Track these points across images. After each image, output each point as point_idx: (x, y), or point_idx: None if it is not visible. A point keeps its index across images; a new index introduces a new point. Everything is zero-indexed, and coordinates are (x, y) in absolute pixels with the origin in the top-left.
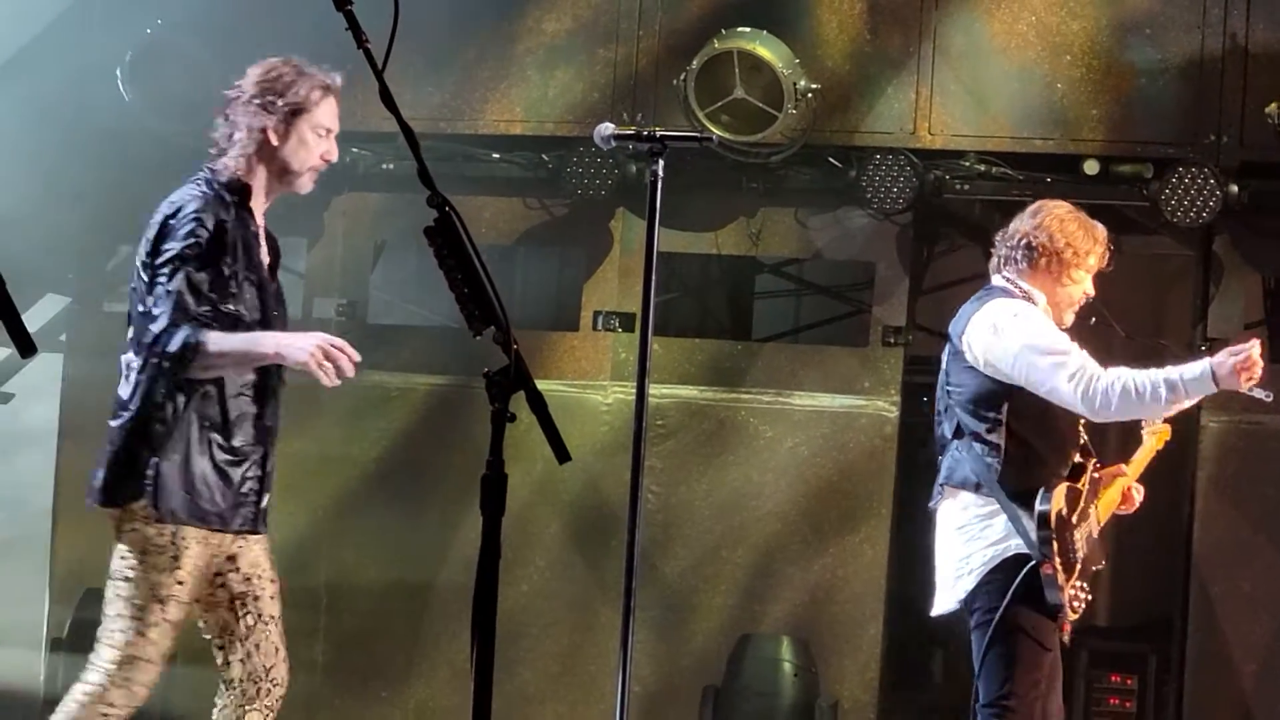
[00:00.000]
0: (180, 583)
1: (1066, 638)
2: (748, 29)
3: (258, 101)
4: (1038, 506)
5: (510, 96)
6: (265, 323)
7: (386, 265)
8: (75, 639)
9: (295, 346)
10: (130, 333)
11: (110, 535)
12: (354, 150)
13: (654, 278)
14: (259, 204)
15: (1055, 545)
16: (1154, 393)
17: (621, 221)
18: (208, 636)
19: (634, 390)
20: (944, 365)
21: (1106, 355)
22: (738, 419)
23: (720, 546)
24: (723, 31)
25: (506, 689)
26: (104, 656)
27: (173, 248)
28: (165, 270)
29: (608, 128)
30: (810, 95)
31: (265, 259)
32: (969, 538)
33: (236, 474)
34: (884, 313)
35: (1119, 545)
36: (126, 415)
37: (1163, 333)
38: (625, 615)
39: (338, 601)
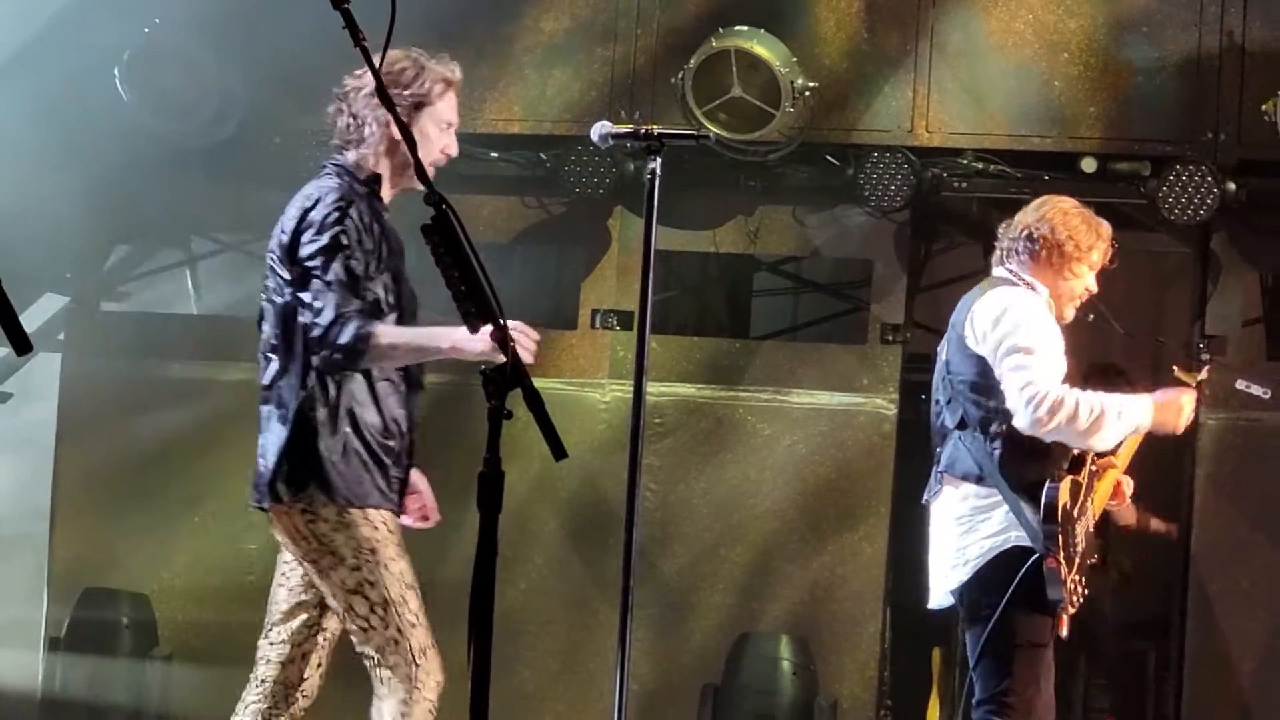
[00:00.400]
0: (409, 565)
1: (1064, 632)
2: (745, 27)
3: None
4: (1044, 499)
5: (508, 95)
6: (400, 314)
7: None
8: (73, 639)
9: (472, 338)
10: (268, 329)
11: (270, 533)
12: None
13: (652, 276)
14: (385, 196)
15: (1060, 539)
16: (1100, 407)
17: (619, 220)
18: (270, 620)
19: (632, 388)
20: (944, 355)
21: (1105, 352)
22: (736, 417)
23: (719, 545)
24: (720, 30)
25: (505, 687)
26: (396, 665)
27: (321, 239)
28: (318, 262)
29: (604, 126)
30: (808, 93)
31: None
32: (967, 529)
33: (388, 460)
34: (882, 310)
35: (1118, 542)
36: (284, 409)
37: (1161, 330)
38: (623, 613)
39: None
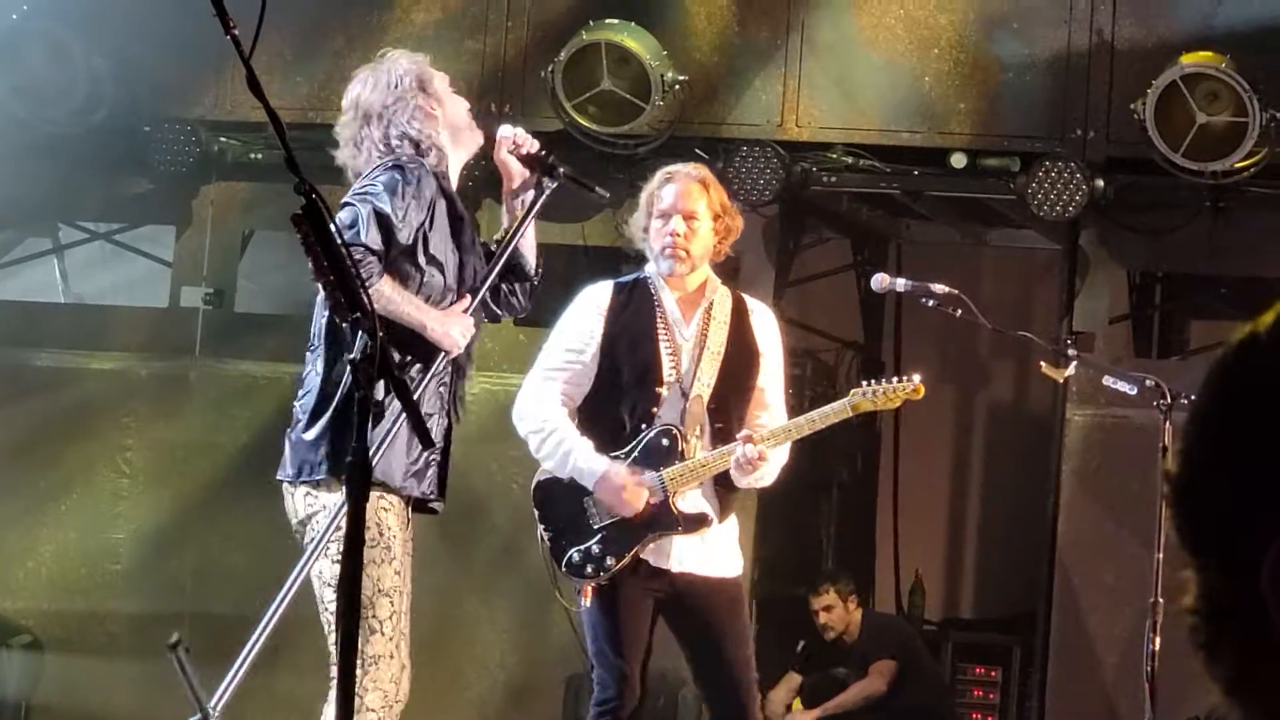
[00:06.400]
0: (397, 572)
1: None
2: (616, 21)
3: None
4: None
5: None
6: None
7: (254, 254)
8: None
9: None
10: None
11: None
12: (222, 139)
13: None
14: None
15: None
16: (561, 451)
17: (488, 212)
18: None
19: (498, 380)
20: None
21: (972, 347)
22: None
23: None
24: (591, 23)
25: None
26: None
27: None
28: None
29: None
30: (678, 87)
31: None
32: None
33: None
34: None
35: (984, 538)
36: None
37: (1029, 326)
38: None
39: (203, 588)
